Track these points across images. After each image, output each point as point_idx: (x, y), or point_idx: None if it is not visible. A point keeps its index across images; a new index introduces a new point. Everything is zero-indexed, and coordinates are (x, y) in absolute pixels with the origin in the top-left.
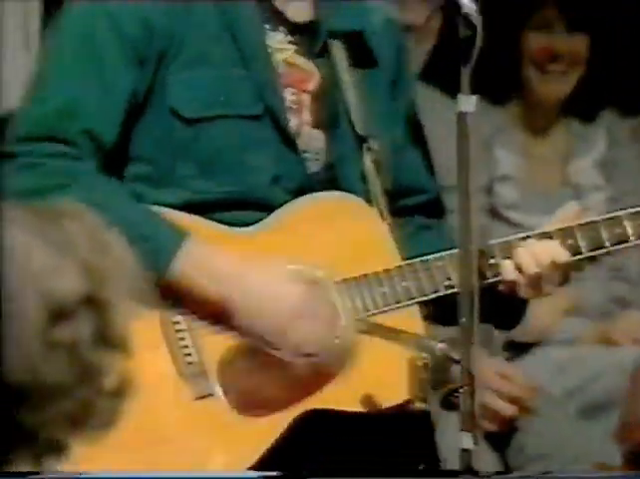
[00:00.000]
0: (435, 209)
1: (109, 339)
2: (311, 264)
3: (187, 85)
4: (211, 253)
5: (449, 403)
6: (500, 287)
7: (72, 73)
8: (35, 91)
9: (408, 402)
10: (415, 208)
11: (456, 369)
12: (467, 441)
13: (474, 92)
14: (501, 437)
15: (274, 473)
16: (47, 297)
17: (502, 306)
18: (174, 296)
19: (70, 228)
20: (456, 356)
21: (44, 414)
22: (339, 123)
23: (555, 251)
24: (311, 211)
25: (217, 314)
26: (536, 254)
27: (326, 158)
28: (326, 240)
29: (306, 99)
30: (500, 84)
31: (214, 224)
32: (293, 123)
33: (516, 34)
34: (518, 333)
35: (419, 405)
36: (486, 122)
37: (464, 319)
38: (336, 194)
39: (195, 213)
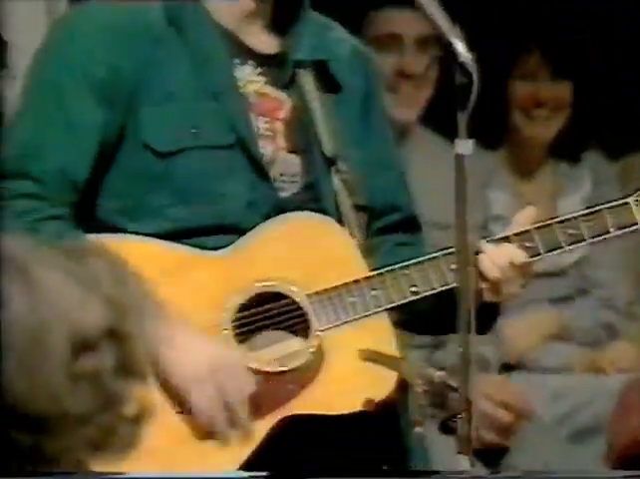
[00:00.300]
0: (410, 225)
1: (129, 369)
2: (281, 281)
3: (159, 120)
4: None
5: (447, 428)
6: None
7: (41, 115)
8: (9, 130)
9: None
10: (390, 226)
11: (454, 396)
12: (464, 463)
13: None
14: (493, 458)
15: (263, 473)
16: (72, 331)
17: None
18: None
19: (94, 265)
20: (453, 384)
21: (68, 439)
22: (312, 147)
23: (513, 254)
24: (280, 230)
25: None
26: (495, 259)
27: (302, 180)
28: (295, 258)
29: (279, 126)
30: (490, 129)
31: (187, 247)
32: (268, 149)
33: (503, 82)
34: (502, 356)
35: (418, 429)
36: (480, 165)
37: (461, 349)
38: (304, 213)
39: (171, 239)
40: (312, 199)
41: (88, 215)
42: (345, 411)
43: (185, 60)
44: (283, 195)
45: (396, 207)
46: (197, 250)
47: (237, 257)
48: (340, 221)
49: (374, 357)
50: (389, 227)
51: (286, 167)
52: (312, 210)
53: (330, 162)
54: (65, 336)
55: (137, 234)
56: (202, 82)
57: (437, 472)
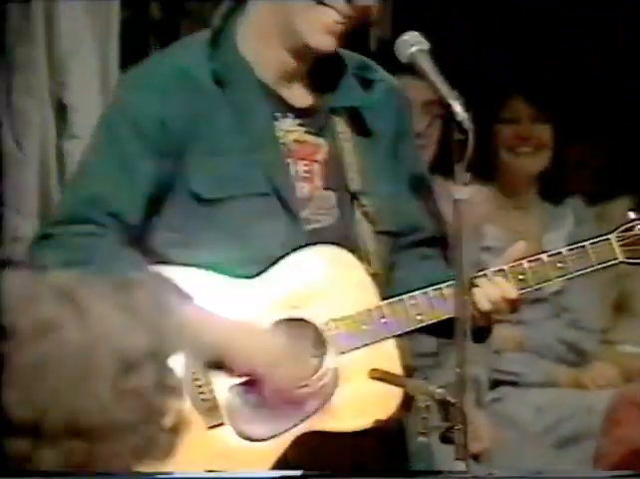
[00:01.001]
0: (434, 242)
1: (168, 386)
2: (301, 308)
3: (203, 171)
4: (206, 313)
5: (446, 438)
6: None
7: (101, 169)
8: (72, 182)
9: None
10: (415, 242)
11: (452, 410)
12: (461, 468)
13: (465, 183)
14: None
15: (297, 472)
16: (118, 352)
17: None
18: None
19: (137, 295)
20: (452, 399)
21: (116, 446)
22: (344, 184)
23: (505, 290)
24: (303, 262)
25: (217, 361)
26: (488, 293)
27: (337, 213)
28: (316, 287)
29: (317, 167)
30: (482, 167)
31: (224, 277)
32: (306, 189)
33: (491, 125)
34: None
35: (421, 439)
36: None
37: (458, 370)
38: (326, 246)
39: (214, 270)
40: (343, 230)
41: (145, 245)
42: (359, 428)
43: (229, 114)
44: (318, 226)
45: (420, 227)
46: (232, 279)
47: (265, 286)
48: (361, 250)
49: (383, 377)
50: (413, 242)
51: (322, 202)
52: (341, 240)
53: (354, 197)
54: (111, 357)
55: (185, 264)
56: (244, 135)
57: (440, 472)
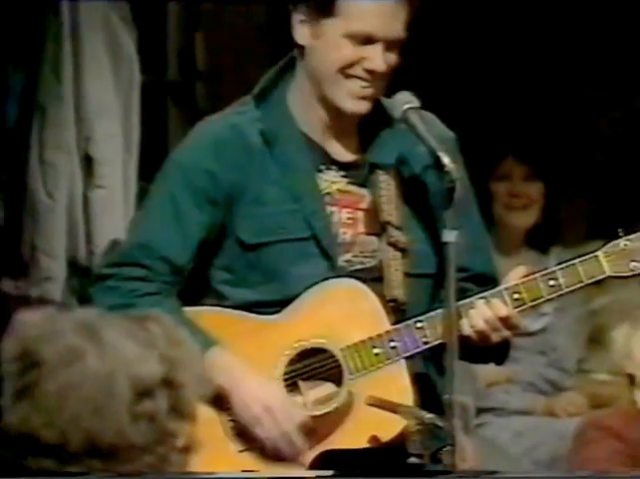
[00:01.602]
0: (480, 279)
1: (180, 411)
2: (320, 337)
3: (249, 219)
4: (230, 361)
5: (436, 459)
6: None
7: (155, 216)
8: (131, 227)
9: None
10: (461, 280)
11: (440, 433)
12: None
13: (454, 228)
14: None
15: (329, 472)
16: (134, 380)
17: (489, 351)
18: None
19: (152, 328)
20: (440, 423)
21: (133, 465)
22: (385, 230)
23: (498, 309)
24: (320, 296)
25: (230, 405)
26: (483, 314)
27: (380, 256)
28: (331, 317)
29: (360, 215)
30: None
31: (251, 315)
32: (349, 234)
33: (486, 182)
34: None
35: (414, 460)
36: None
37: (447, 396)
38: (342, 280)
39: (258, 307)
40: (382, 271)
41: (204, 283)
42: (372, 446)
43: (274, 168)
44: (361, 267)
45: (465, 268)
46: (258, 317)
47: (287, 321)
48: (393, 289)
49: (378, 403)
50: (459, 280)
51: (364, 246)
52: (376, 278)
53: (394, 243)
54: (128, 385)
55: (238, 300)
56: (287, 186)
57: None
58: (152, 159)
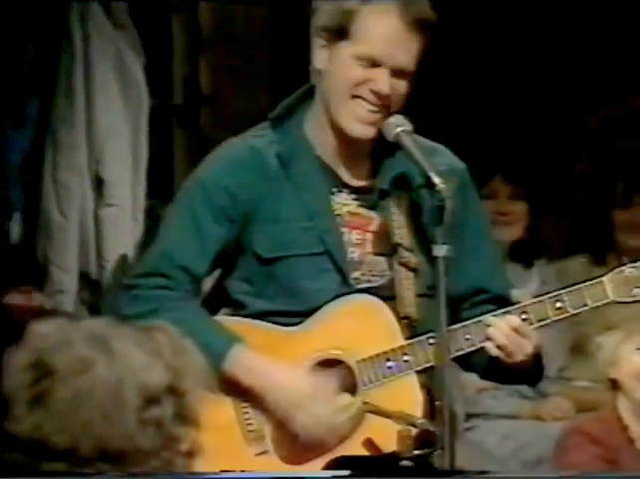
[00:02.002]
0: (499, 301)
1: (185, 417)
2: (338, 350)
3: (265, 235)
4: (251, 356)
5: (427, 461)
6: (504, 363)
7: (176, 229)
8: (154, 239)
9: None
10: (479, 302)
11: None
12: None
13: (444, 243)
14: None
15: (346, 472)
16: (141, 388)
17: (524, 373)
18: (233, 387)
19: (158, 338)
20: (431, 428)
21: (138, 470)
22: (394, 251)
23: (512, 321)
24: (338, 311)
25: (255, 399)
26: (500, 328)
27: (389, 276)
28: (348, 331)
29: (369, 236)
30: None
31: (272, 326)
32: (357, 254)
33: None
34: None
35: (406, 463)
36: None
37: (437, 403)
38: (359, 296)
39: (275, 316)
40: (390, 291)
41: (225, 294)
42: (383, 453)
43: (290, 188)
44: (369, 286)
45: (485, 290)
46: (279, 328)
47: (305, 333)
48: (405, 309)
49: (373, 410)
50: (478, 302)
51: (373, 266)
52: (385, 297)
53: (404, 265)
54: (135, 392)
55: (257, 310)
56: (302, 205)
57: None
58: (158, 178)
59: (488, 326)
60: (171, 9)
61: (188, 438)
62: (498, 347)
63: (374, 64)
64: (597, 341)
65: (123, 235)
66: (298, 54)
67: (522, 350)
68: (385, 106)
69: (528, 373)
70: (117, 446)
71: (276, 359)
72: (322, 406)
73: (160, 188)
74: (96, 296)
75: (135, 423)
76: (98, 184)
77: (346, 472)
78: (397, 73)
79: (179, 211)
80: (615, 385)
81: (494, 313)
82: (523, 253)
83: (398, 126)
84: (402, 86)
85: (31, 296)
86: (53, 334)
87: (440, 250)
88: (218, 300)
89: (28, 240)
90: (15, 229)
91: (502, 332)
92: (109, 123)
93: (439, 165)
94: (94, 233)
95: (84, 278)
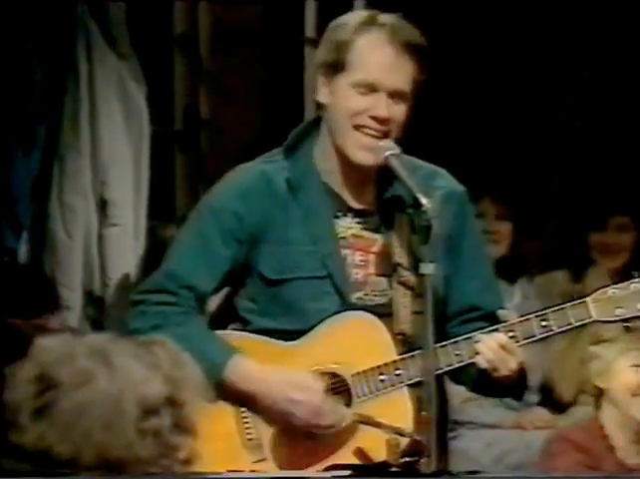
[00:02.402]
0: (491, 318)
1: (182, 427)
2: (334, 363)
3: (271, 258)
4: (249, 364)
5: (413, 468)
6: (490, 376)
7: (185, 249)
8: (165, 257)
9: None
10: (472, 319)
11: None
12: None
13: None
14: None
15: (346, 472)
16: (140, 399)
17: (508, 387)
18: (234, 395)
19: (157, 352)
20: (417, 437)
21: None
22: (395, 272)
23: (499, 338)
24: (335, 326)
25: (255, 406)
26: (488, 344)
27: (390, 295)
28: (344, 346)
29: (372, 257)
30: None
31: (275, 341)
32: (361, 274)
33: None
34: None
35: (394, 469)
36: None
37: (424, 413)
38: (355, 312)
39: (277, 334)
40: (389, 307)
41: (232, 311)
42: (373, 462)
43: (296, 213)
44: (371, 304)
45: (477, 307)
46: (280, 342)
47: (304, 347)
48: (401, 326)
49: (363, 420)
50: (471, 319)
51: (374, 286)
52: (386, 314)
53: (403, 283)
54: (135, 403)
55: (261, 327)
56: (307, 230)
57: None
58: (160, 200)
59: (477, 342)
60: (172, 41)
61: (186, 447)
62: (486, 361)
63: (372, 90)
64: (592, 350)
65: (125, 254)
66: (292, 85)
67: (507, 365)
68: (386, 131)
69: (512, 387)
70: (117, 455)
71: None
72: (317, 396)
73: (162, 209)
74: (100, 312)
75: (134, 433)
76: (102, 205)
77: (346, 472)
78: (394, 96)
79: (190, 231)
80: (601, 394)
81: (483, 331)
82: (507, 270)
83: (387, 150)
84: (401, 110)
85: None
86: (57, 348)
87: (427, 268)
88: (227, 316)
89: (35, 259)
90: (23, 248)
91: (490, 348)
92: (113, 148)
93: (440, 188)
94: (98, 252)
95: (88, 295)
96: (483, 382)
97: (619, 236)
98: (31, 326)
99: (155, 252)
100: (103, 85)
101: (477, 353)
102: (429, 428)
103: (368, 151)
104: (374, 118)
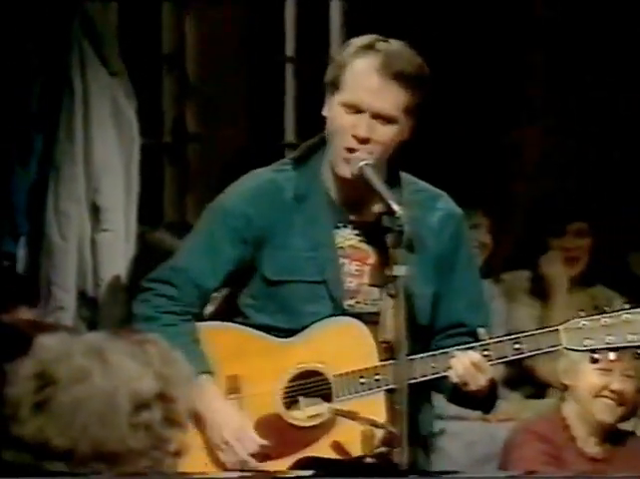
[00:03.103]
0: (476, 335)
1: (173, 421)
2: (318, 363)
3: (273, 260)
4: (212, 392)
5: (387, 458)
6: (462, 389)
7: (193, 246)
8: (176, 252)
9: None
10: (459, 333)
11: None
12: None
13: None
14: None
15: (308, 472)
16: (133, 395)
17: (478, 400)
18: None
19: (149, 350)
20: (392, 429)
21: (131, 467)
22: (388, 284)
23: (471, 356)
24: (323, 330)
25: (197, 423)
26: (461, 360)
27: (381, 305)
28: (329, 348)
29: (367, 268)
30: None
31: (265, 335)
32: (354, 283)
33: None
34: None
35: (369, 460)
36: None
37: (397, 407)
38: (343, 318)
39: (272, 331)
40: (377, 316)
41: (234, 306)
42: (349, 456)
43: (300, 221)
44: (362, 311)
45: (464, 323)
46: (272, 338)
47: (294, 345)
48: (386, 330)
49: (341, 413)
50: (458, 334)
51: (367, 295)
52: (374, 322)
53: (392, 296)
54: (128, 399)
55: (258, 323)
56: (309, 237)
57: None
58: (149, 207)
59: (452, 357)
60: (161, 59)
61: (176, 439)
62: (456, 376)
63: (356, 110)
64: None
65: (117, 257)
66: (274, 101)
67: (476, 382)
68: (367, 150)
69: (482, 401)
70: (111, 447)
71: (266, 365)
72: (242, 453)
73: (151, 216)
74: (93, 312)
75: (127, 426)
76: (95, 211)
77: (309, 472)
78: (378, 118)
79: (200, 229)
80: (566, 389)
81: (459, 347)
82: (491, 272)
83: (361, 160)
84: (385, 131)
85: (34, 313)
86: (55, 347)
87: (399, 270)
88: (229, 310)
89: (32, 263)
90: (21, 252)
91: (462, 364)
92: (105, 158)
93: (440, 209)
94: (91, 255)
95: (82, 296)
96: (457, 394)
97: (577, 241)
98: (30, 324)
99: (144, 256)
100: (96, 100)
101: (449, 367)
102: (401, 420)
103: (345, 163)
104: (354, 136)
